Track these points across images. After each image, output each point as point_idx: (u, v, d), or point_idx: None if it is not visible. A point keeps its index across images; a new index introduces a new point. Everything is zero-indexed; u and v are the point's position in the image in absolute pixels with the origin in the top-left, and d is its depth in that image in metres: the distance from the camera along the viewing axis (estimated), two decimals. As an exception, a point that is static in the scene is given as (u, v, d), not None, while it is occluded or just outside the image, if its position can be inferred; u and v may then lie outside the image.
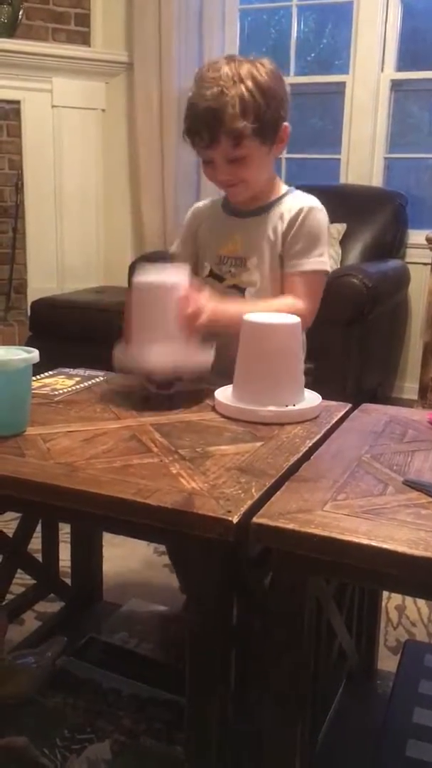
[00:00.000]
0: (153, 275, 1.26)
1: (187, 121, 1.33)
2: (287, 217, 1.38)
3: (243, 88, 1.27)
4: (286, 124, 1.35)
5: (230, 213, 1.45)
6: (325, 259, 1.38)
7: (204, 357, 1.24)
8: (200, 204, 1.54)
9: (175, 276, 1.25)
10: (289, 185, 1.46)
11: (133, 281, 1.26)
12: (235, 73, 1.27)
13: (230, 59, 1.31)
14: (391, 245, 3.00)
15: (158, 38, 3.29)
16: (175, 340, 1.22)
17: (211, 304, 1.27)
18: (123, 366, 1.24)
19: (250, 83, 1.27)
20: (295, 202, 1.40)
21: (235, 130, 1.27)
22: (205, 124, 1.29)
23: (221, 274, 1.42)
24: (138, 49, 3.39)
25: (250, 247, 1.41)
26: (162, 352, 1.20)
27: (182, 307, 1.21)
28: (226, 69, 1.28)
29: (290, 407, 1.15)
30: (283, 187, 1.44)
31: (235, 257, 1.41)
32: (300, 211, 1.37)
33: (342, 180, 3.26)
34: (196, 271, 1.46)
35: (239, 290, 1.41)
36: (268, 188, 1.42)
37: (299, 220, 1.37)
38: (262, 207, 1.41)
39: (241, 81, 1.27)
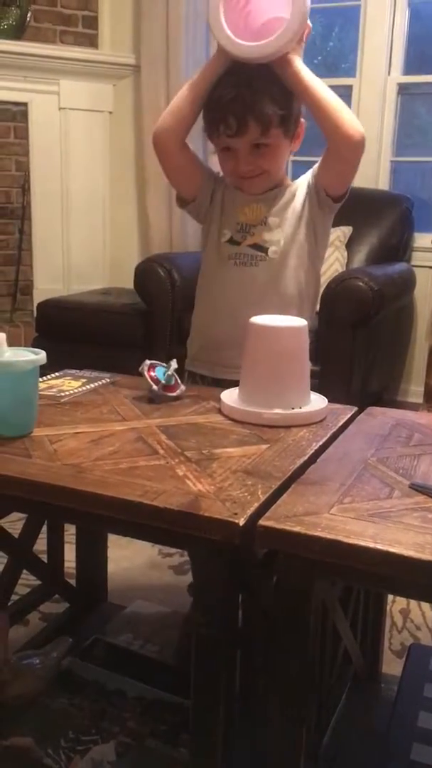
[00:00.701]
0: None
1: (209, 114, 1.34)
2: (305, 179, 1.42)
3: (271, 81, 1.30)
4: (303, 120, 1.38)
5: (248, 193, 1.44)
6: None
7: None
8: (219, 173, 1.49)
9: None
10: None
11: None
12: (263, 65, 1.29)
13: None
14: (397, 248, 2.99)
15: (166, 41, 3.30)
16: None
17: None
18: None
19: (275, 78, 1.30)
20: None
21: (265, 115, 1.29)
22: (234, 110, 1.30)
23: (242, 239, 1.42)
24: (145, 52, 3.39)
25: (273, 211, 1.41)
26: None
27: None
28: (252, 66, 1.29)
29: (296, 410, 1.15)
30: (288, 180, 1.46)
31: (256, 224, 1.41)
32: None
33: (348, 183, 3.25)
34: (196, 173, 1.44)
35: (260, 249, 1.41)
36: (283, 177, 1.44)
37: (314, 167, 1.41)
38: (278, 188, 1.43)
39: (269, 76, 1.30)
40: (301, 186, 1.43)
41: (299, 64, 1.31)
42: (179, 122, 1.39)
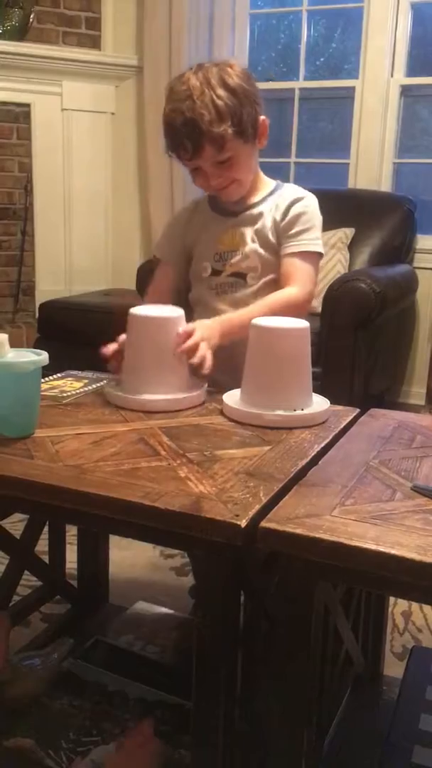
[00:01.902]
0: (150, 309, 1.28)
1: (167, 138, 1.36)
2: (283, 205, 1.42)
3: (214, 94, 1.29)
4: (263, 118, 1.38)
5: (222, 213, 1.47)
6: (320, 242, 1.43)
7: (198, 393, 1.26)
8: (182, 209, 1.56)
9: (172, 311, 1.27)
10: (273, 179, 1.49)
11: (129, 314, 1.27)
12: (204, 80, 1.30)
13: (197, 69, 1.34)
14: (399, 250, 2.99)
15: (168, 42, 3.30)
16: (169, 376, 1.24)
17: (214, 326, 1.29)
18: (115, 401, 1.24)
19: (219, 89, 1.30)
20: (288, 193, 1.44)
21: (216, 135, 1.30)
22: (186, 135, 1.31)
23: (221, 269, 1.44)
24: (148, 53, 3.40)
25: (250, 237, 1.43)
26: (156, 389, 1.22)
27: (179, 342, 1.23)
28: (193, 79, 1.31)
29: (297, 412, 1.15)
30: (270, 182, 1.48)
31: (233, 249, 1.44)
32: (295, 199, 1.42)
33: (350, 184, 3.26)
34: (185, 271, 1.51)
35: (240, 277, 1.43)
36: (254, 183, 1.45)
37: (294, 206, 1.42)
38: (255, 203, 1.45)
39: (211, 87, 1.30)
40: (284, 200, 1.43)
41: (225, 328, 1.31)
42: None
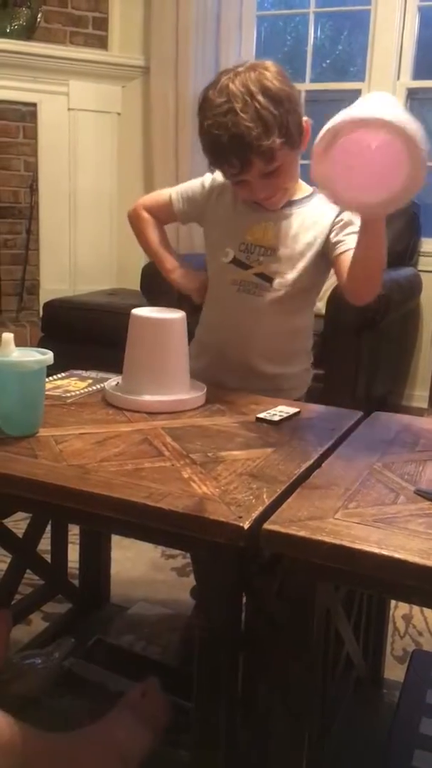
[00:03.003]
0: (152, 311, 1.28)
1: (210, 154, 1.29)
2: (330, 213, 1.35)
3: (258, 105, 1.21)
4: (306, 119, 1.31)
5: (256, 203, 1.39)
6: None
7: (200, 394, 1.27)
8: (219, 178, 1.42)
9: (174, 313, 1.27)
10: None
11: (131, 314, 1.26)
12: (244, 89, 1.21)
13: (233, 75, 1.24)
14: (403, 253, 2.99)
15: (175, 43, 3.31)
16: (171, 376, 1.25)
17: None
18: (116, 402, 1.24)
19: (261, 97, 1.21)
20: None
21: (265, 148, 1.22)
22: (233, 151, 1.24)
23: (248, 262, 1.38)
24: (155, 54, 3.40)
25: (282, 238, 1.37)
26: (158, 390, 1.23)
27: None
28: (232, 87, 1.22)
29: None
30: (306, 185, 1.42)
31: (264, 246, 1.37)
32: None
33: (356, 187, 3.25)
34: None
35: (266, 279, 1.38)
36: (295, 185, 1.40)
37: (343, 214, 1.35)
38: (293, 202, 1.38)
39: (253, 97, 1.21)
40: (316, 220, 1.37)
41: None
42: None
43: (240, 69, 1.25)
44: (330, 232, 1.35)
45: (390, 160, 0.98)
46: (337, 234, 1.34)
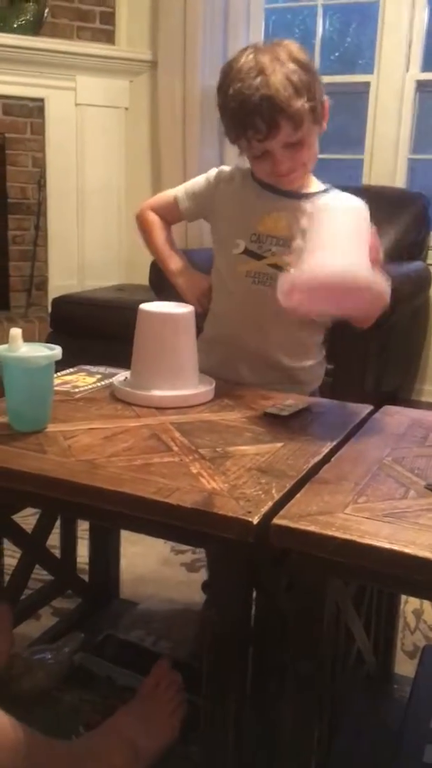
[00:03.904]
0: (160, 306, 1.28)
1: (233, 119, 1.26)
2: None
3: (287, 70, 1.20)
4: (326, 98, 1.29)
5: (268, 189, 1.36)
6: None
7: (208, 389, 1.26)
8: (226, 169, 1.42)
9: (182, 307, 1.27)
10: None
11: (139, 310, 1.26)
12: (272, 56, 1.21)
13: (256, 48, 1.25)
14: (413, 247, 2.98)
15: (183, 37, 3.29)
16: (179, 372, 1.24)
17: None
18: (124, 397, 1.23)
19: (290, 63, 1.21)
20: (351, 199, 1.33)
21: (293, 111, 1.21)
22: (261, 113, 1.21)
23: (260, 252, 1.36)
24: (162, 48, 3.39)
25: (294, 227, 1.30)
26: (166, 385, 1.22)
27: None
28: (260, 56, 1.22)
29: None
30: (317, 182, 1.41)
31: (277, 237, 1.35)
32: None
33: (364, 181, 3.24)
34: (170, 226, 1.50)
35: (279, 269, 1.33)
36: (309, 176, 1.39)
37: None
38: (307, 193, 1.36)
39: (282, 63, 1.21)
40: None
41: None
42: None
43: (260, 44, 1.26)
44: None
45: (352, 297, 1.09)
46: None
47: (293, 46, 1.25)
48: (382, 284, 1.08)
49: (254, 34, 3.26)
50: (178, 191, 1.47)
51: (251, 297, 1.37)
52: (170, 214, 1.50)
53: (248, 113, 1.22)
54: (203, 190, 1.44)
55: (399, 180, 3.19)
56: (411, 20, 3.08)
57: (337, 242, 1.09)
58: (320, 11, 3.35)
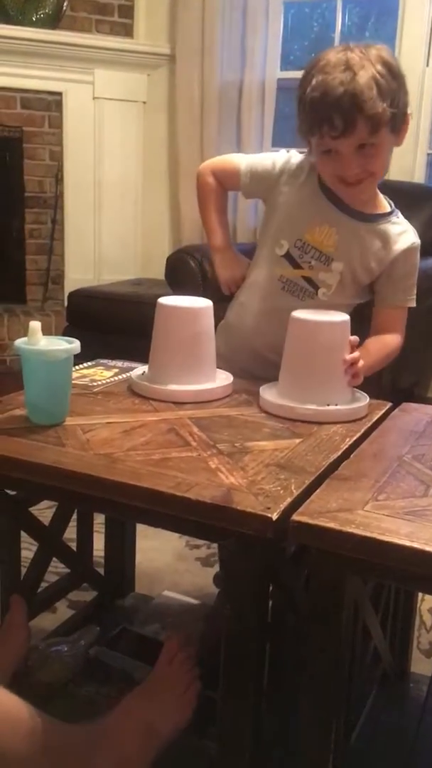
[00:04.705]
0: (179, 300, 1.26)
1: (310, 112, 1.21)
2: (398, 249, 1.34)
3: (375, 71, 1.17)
4: (410, 112, 1.27)
5: (329, 198, 1.33)
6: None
7: (226, 384, 1.25)
8: (295, 158, 1.38)
9: (200, 302, 1.25)
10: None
11: (157, 304, 1.25)
12: (363, 56, 1.18)
13: (348, 46, 1.21)
14: (430, 243, 2.95)
15: (201, 31, 3.28)
16: (197, 366, 1.23)
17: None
18: (142, 392, 1.23)
19: (380, 66, 1.18)
20: (407, 235, 1.36)
21: (375, 115, 1.17)
22: (341, 110, 1.16)
23: (299, 261, 1.34)
24: (180, 42, 3.38)
25: (343, 251, 1.33)
26: (184, 379, 1.21)
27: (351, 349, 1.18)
28: (350, 54, 1.19)
29: (331, 407, 1.14)
30: (385, 202, 1.38)
31: (321, 251, 1.33)
32: (412, 248, 1.36)
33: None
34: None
35: (311, 285, 1.34)
36: (375, 194, 1.35)
37: (414, 254, 1.36)
38: (367, 215, 1.34)
39: (372, 63, 1.18)
40: (399, 241, 1.35)
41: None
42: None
43: (354, 44, 1.23)
44: (388, 270, 1.35)
45: None
46: (394, 279, 1.36)
47: (386, 51, 1.23)
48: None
49: (273, 28, 3.24)
50: (242, 163, 1.42)
51: (277, 301, 1.36)
52: (230, 183, 1.47)
53: (328, 106, 1.18)
54: (266, 174, 1.39)
55: (418, 175, 3.17)
56: (431, 14, 3.05)
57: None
58: (339, 5, 3.33)
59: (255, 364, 1.39)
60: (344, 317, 1.18)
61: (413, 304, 1.40)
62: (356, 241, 1.33)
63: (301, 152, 1.39)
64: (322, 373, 1.16)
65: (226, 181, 1.46)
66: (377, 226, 1.35)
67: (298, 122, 1.27)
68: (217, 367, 1.30)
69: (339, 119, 1.18)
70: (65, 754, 0.97)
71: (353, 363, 1.17)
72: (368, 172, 1.26)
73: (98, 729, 1.03)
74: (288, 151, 1.39)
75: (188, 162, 3.44)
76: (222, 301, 1.45)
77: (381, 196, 1.37)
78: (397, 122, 1.23)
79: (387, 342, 1.39)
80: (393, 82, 1.19)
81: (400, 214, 1.38)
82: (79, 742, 1.00)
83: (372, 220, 1.34)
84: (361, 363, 1.19)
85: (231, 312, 1.47)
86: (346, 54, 1.19)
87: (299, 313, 1.18)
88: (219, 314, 1.31)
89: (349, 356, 1.17)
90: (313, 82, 1.20)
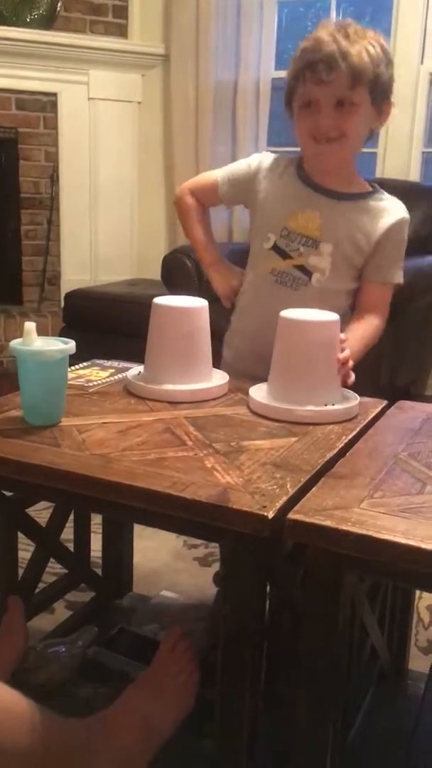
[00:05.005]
0: (174, 300, 1.27)
1: (302, 57, 1.26)
2: (386, 223, 1.34)
3: (368, 42, 1.24)
4: (391, 100, 1.30)
5: (307, 184, 1.35)
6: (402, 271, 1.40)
7: (222, 383, 1.25)
8: (268, 156, 1.42)
9: (196, 301, 1.26)
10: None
11: (153, 304, 1.25)
12: (360, 30, 1.25)
13: (347, 21, 1.27)
14: (427, 241, 2.95)
15: (195, 30, 3.28)
16: (193, 366, 1.23)
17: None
18: (138, 392, 1.23)
19: (373, 41, 1.24)
20: (394, 209, 1.36)
21: (357, 68, 1.22)
22: (326, 57, 1.22)
23: (287, 251, 1.35)
24: (175, 42, 3.38)
25: (329, 231, 1.33)
26: (180, 379, 1.21)
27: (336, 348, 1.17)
28: (348, 26, 1.25)
29: (328, 407, 1.14)
30: (366, 184, 1.39)
31: (307, 236, 1.33)
32: (401, 221, 1.36)
33: (378, 174, 3.21)
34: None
35: (304, 272, 1.34)
36: (352, 173, 1.37)
37: (403, 228, 1.36)
38: (348, 194, 1.34)
39: (367, 38, 1.24)
40: (388, 215, 1.35)
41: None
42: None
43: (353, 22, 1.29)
44: (377, 246, 1.34)
45: None
46: (381, 255, 1.35)
47: (382, 37, 1.28)
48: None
49: (267, 27, 3.24)
50: (219, 175, 1.45)
51: (272, 296, 1.36)
52: (209, 198, 1.48)
53: (316, 53, 1.23)
54: (242, 177, 1.42)
55: (413, 173, 3.17)
56: (425, 12, 3.06)
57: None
58: (333, 4, 3.33)
59: (259, 366, 1.39)
60: (334, 316, 1.17)
61: (400, 281, 1.40)
62: (341, 220, 1.34)
63: (274, 152, 1.45)
64: (319, 373, 1.16)
65: (205, 196, 1.48)
66: (361, 203, 1.35)
67: (286, 78, 1.32)
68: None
69: (323, 65, 1.22)
70: (66, 748, 0.97)
71: (344, 363, 1.17)
72: (341, 130, 1.27)
73: (98, 723, 1.03)
74: (258, 154, 1.43)
75: (183, 161, 3.45)
76: (217, 302, 1.46)
77: (362, 178, 1.39)
78: (378, 94, 1.27)
79: (365, 332, 1.37)
80: (383, 57, 1.25)
81: (386, 193, 1.39)
82: (79, 737, 1.00)
83: (354, 198, 1.35)
84: (350, 363, 1.19)
85: (233, 319, 1.48)
86: (345, 23, 1.25)
87: (289, 313, 1.17)
88: (214, 315, 1.31)
89: (341, 355, 1.17)
90: (309, 37, 1.26)
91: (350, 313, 1.41)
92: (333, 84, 1.23)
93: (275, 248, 1.36)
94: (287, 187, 1.36)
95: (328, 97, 1.25)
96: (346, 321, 1.39)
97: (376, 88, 1.25)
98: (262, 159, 1.41)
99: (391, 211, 1.36)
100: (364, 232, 1.34)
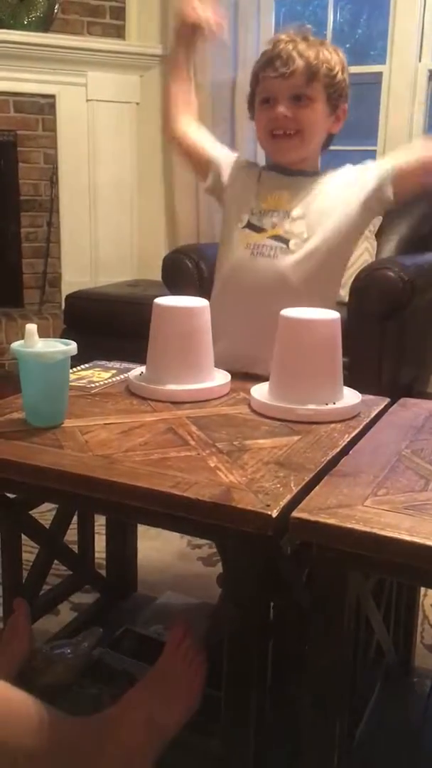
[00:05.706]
0: (175, 300, 1.27)
1: (260, 58, 1.37)
2: (371, 172, 1.40)
3: (323, 47, 1.34)
4: (346, 105, 1.39)
5: (278, 171, 1.43)
6: None
7: (224, 383, 1.25)
8: (243, 159, 1.51)
9: (197, 301, 1.26)
10: None
11: (154, 304, 1.25)
12: (319, 40, 1.36)
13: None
14: (428, 237, 2.95)
15: (193, 30, 3.28)
16: (195, 365, 1.23)
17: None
18: (140, 392, 1.23)
19: (330, 48, 1.36)
20: (369, 163, 1.44)
21: (312, 66, 1.31)
22: (285, 51, 1.32)
23: (261, 225, 1.39)
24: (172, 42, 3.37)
25: (297, 201, 1.38)
26: (182, 379, 1.21)
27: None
28: (308, 35, 1.36)
29: (330, 405, 1.14)
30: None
31: (279, 210, 1.39)
32: (378, 162, 1.44)
33: (378, 172, 3.21)
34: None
35: (282, 241, 1.38)
36: (316, 159, 1.44)
37: (379, 166, 1.42)
38: (313, 171, 1.42)
39: (324, 45, 1.35)
40: (345, 179, 1.41)
41: None
42: (170, 106, 1.58)
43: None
44: (377, 183, 1.38)
45: None
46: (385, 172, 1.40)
47: (340, 50, 1.39)
48: None
49: (264, 26, 3.24)
50: (214, 161, 1.49)
51: (254, 271, 1.38)
52: (197, 161, 1.53)
53: (275, 51, 1.33)
54: (221, 177, 1.48)
55: (412, 171, 3.16)
56: (423, 9, 3.05)
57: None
58: (330, 2, 3.32)
59: (240, 340, 1.39)
60: (335, 315, 1.17)
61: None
62: (312, 191, 1.39)
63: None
64: (320, 371, 1.15)
65: (194, 156, 1.54)
66: (325, 176, 1.42)
67: (250, 80, 1.42)
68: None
69: (280, 60, 1.32)
70: (72, 748, 0.97)
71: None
72: (298, 125, 1.34)
73: (104, 722, 1.03)
74: (235, 156, 1.51)
75: (182, 162, 3.44)
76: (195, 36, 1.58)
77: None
78: (333, 93, 1.36)
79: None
80: (338, 60, 1.35)
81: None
82: (85, 737, 1.00)
83: (318, 174, 1.42)
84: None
85: (215, 289, 1.48)
86: (305, 29, 1.37)
87: (290, 312, 1.17)
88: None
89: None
90: (272, 39, 1.38)
91: (330, 287, 1.43)
92: (289, 79, 1.32)
93: (249, 225, 1.41)
94: (256, 175, 1.44)
95: (285, 91, 1.33)
96: (325, 297, 1.40)
97: (332, 87, 1.35)
98: (239, 157, 1.50)
99: (369, 163, 1.44)
100: (333, 192, 1.39)
